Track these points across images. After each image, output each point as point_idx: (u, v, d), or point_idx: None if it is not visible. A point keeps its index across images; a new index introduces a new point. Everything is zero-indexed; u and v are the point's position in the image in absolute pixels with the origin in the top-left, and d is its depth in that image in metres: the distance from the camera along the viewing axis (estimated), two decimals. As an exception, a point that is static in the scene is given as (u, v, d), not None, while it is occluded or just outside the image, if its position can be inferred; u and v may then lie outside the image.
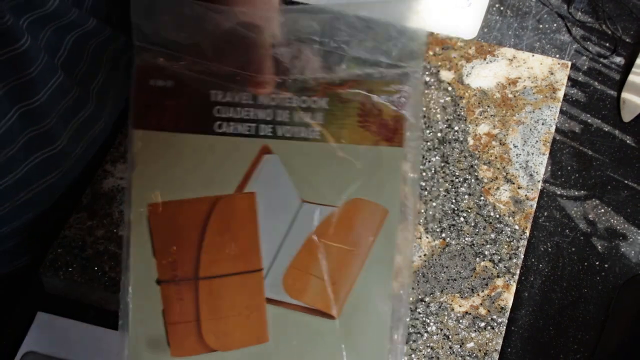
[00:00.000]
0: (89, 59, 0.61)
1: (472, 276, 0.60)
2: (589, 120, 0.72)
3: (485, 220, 0.62)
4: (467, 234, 0.62)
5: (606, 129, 0.72)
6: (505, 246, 0.61)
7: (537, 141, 0.66)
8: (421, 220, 0.62)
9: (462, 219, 0.62)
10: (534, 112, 0.68)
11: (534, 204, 0.63)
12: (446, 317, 0.58)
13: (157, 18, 0.44)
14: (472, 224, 0.62)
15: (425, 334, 0.58)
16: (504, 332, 0.57)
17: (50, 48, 0.55)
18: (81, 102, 0.61)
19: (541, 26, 0.79)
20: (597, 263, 0.64)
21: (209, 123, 0.44)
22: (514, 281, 0.59)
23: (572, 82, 0.75)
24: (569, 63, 0.71)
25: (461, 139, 0.66)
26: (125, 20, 0.67)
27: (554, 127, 0.67)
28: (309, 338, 0.44)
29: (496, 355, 0.57)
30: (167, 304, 0.44)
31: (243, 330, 0.44)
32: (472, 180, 0.64)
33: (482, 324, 0.58)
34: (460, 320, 0.58)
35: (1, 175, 0.56)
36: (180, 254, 0.44)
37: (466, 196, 0.63)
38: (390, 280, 0.45)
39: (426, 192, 0.64)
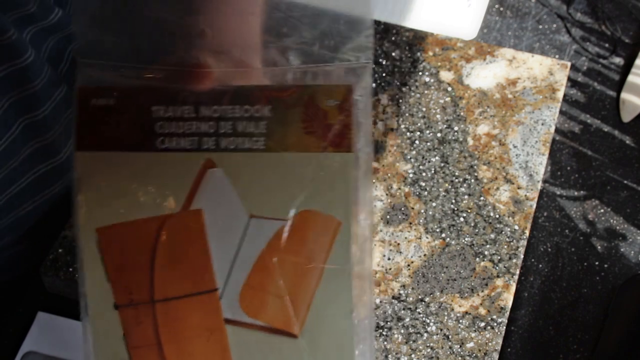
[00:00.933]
0: None
1: (472, 276, 0.60)
2: (589, 121, 0.72)
3: (485, 220, 0.62)
4: (467, 234, 0.62)
5: (605, 130, 0.72)
6: (505, 246, 0.61)
7: (536, 141, 0.66)
8: (421, 221, 0.62)
9: (461, 219, 0.62)
10: (533, 112, 0.68)
11: (534, 204, 0.63)
12: (446, 317, 0.58)
13: (100, 23, 0.43)
14: (472, 224, 0.62)
15: (425, 334, 0.58)
16: (503, 332, 0.58)
17: (52, 60, 0.55)
18: None
19: (541, 27, 0.79)
20: (597, 263, 0.64)
21: (151, 140, 0.43)
22: (514, 281, 0.60)
23: (572, 82, 0.75)
24: (569, 64, 0.71)
25: (461, 139, 0.67)
26: None
27: (553, 127, 0.67)
28: (273, 358, 0.43)
29: (496, 355, 0.57)
30: (126, 328, 0.43)
31: (205, 352, 0.43)
32: (472, 180, 0.64)
33: (482, 324, 0.58)
34: (460, 320, 0.58)
35: (5, 187, 0.56)
36: (134, 277, 0.42)
37: (466, 196, 0.64)
38: (349, 293, 0.43)
39: (426, 193, 0.64)
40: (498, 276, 0.60)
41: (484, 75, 0.70)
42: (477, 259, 0.61)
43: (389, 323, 0.58)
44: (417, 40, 0.72)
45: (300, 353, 0.43)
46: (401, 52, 0.71)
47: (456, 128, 0.67)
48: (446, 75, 0.70)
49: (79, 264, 0.43)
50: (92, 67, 0.43)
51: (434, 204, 0.63)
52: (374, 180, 0.64)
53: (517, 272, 0.60)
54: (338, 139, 0.43)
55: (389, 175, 0.65)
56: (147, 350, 0.43)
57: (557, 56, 0.77)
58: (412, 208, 0.63)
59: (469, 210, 0.63)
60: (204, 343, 0.43)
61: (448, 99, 0.69)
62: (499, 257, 0.61)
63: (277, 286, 0.43)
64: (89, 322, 0.43)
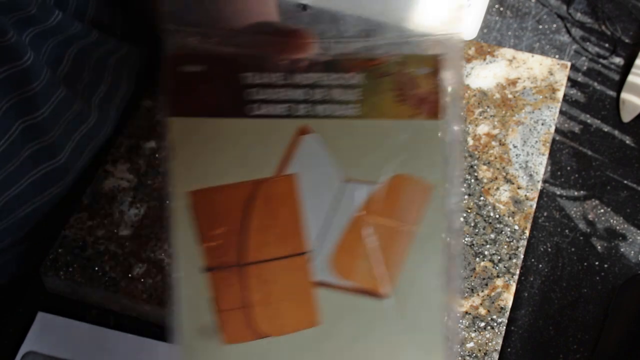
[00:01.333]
0: (90, 71, 0.61)
1: (472, 276, 0.60)
2: (589, 121, 0.72)
3: (485, 220, 0.62)
4: (467, 234, 0.62)
5: (605, 130, 0.72)
6: (505, 246, 0.61)
7: (536, 141, 0.66)
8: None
9: (461, 219, 0.63)
10: (533, 112, 0.68)
11: (534, 204, 0.63)
12: (446, 317, 0.58)
13: None
14: (472, 224, 0.62)
15: (425, 334, 0.58)
16: (503, 332, 0.58)
17: (52, 62, 0.55)
18: (83, 115, 0.61)
19: (541, 27, 0.79)
20: (597, 263, 0.64)
21: (243, 106, 0.43)
22: (514, 281, 0.60)
23: (572, 82, 0.75)
24: (569, 63, 0.71)
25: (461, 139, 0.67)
26: (129, 28, 0.67)
27: (553, 127, 0.67)
28: (362, 319, 0.44)
29: (496, 355, 0.57)
30: (216, 291, 0.43)
31: (294, 314, 0.44)
32: (472, 180, 0.64)
33: (482, 324, 0.58)
34: (460, 320, 0.58)
35: (4, 189, 0.56)
36: (225, 240, 0.43)
37: (466, 196, 0.64)
38: (440, 255, 0.44)
39: (426, 192, 0.64)
40: (498, 276, 0.60)
41: (484, 75, 0.70)
42: (477, 258, 0.61)
43: (389, 323, 0.58)
44: (417, 40, 0.72)
45: (390, 313, 0.44)
46: (401, 52, 0.71)
47: (456, 128, 0.67)
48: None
49: (168, 227, 0.44)
50: (180, 34, 0.43)
51: (434, 204, 0.63)
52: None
53: (517, 272, 0.60)
54: (428, 106, 0.44)
55: (389, 175, 0.65)
56: (236, 313, 0.44)
57: (557, 56, 0.77)
58: (412, 208, 0.63)
59: (469, 210, 0.63)
60: (294, 305, 0.44)
61: (448, 99, 0.69)
62: (499, 257, 0.61)
63: (369, 248, 0.44)
64: (178, 284, 0.44)
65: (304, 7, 0.44)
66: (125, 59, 0.66)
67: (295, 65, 0.44)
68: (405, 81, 0.44)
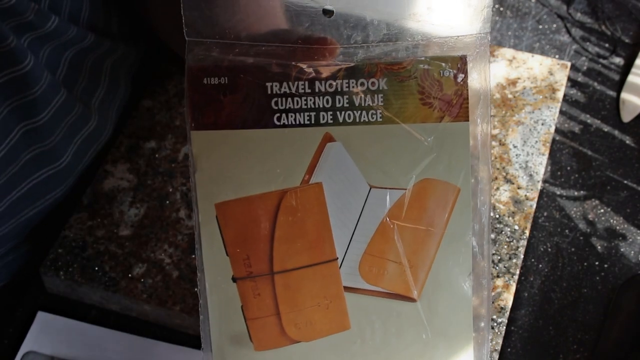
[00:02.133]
0: (87, 73, 0.61)
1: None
2: (589, 121, 0.72)
3: (485, 220, 0.62)
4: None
5: (605, 130, 0.72)
6: (505, 246, 0.61)
7: (536, 141, 0.66)
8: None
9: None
10: (533, 112, 0.68)
11: (534, 204, 0.63)
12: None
13: (211, 5, 0.43)
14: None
15: (425, 334, 0.58)
16: (503, 332, 0.58)
17: (49, 66, 0.55)
18: (84, 117, 0.61)
19: (541, 27, 0.79)
20: (597, 263, 0.64)
21: (268, 116, 0.44)
22: (514, 281, 0.60)
23: (572, 82, 0.75)
24: (569, 63, 0.71)
25: (461, 139, 0.67)
26: (124, 28, 0.67)
27: (553, 127, 0.67)
28: (392, 322, 0.44)
29: (496, 355, 0.57)
30: (245, 300, 0.44)
31: (324, 320, 0.44)
32: (472, 180, 0.64)
33: (482, 324, 0.58)
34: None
35: (5, 193, 0.56)
36: (253, 250, 0.44)
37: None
38: (469, 257, 0.44)
39: (426, 192, 0.64)
40: (498, 276, 0.60)
41: (484, 75, 0.70)
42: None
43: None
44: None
45: (419, 316, 0.44)
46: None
47: (456, 128, 0.67)
48: (446, 75, 0.70)
49: (197, 240, 0.44)
50: (201, 46, 0.43)
51: (434, 204, 0.63)
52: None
53: (517, 272, 0.60)
54: (454, 108, 0.44)
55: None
56: (265, 320, 0.44)
57: (557, 56, 0.77)
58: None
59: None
60: (324, 311, 0.44)
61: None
62: (499, 257, 0.61)
63: (397, 253, 0.44)
64: (207, 295, 0.44)
65: (328, 12, 0.43)
66: (121, 60, 0.66)
67: (319, 74, 0.43)
68: (430, 84, 0.44)
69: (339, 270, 0.44)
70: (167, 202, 0.64)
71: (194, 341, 0.60)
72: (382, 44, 0.44)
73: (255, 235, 0.44)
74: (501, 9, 0.81)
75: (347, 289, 0.44)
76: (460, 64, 0.44)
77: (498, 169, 0.65)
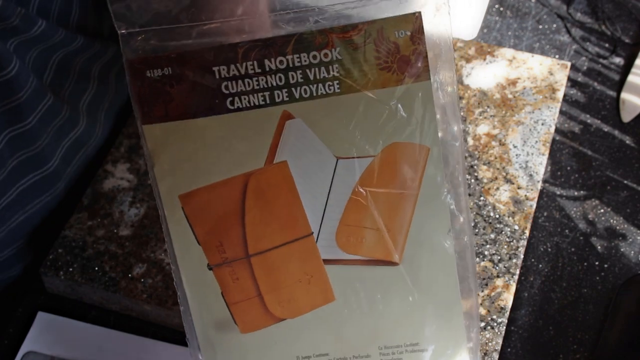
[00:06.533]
0: (75, 76, 0.60)
1: (472, 276, 0.60)
2: (589, 121, 0.72)
3: (485, 220, 0.62)
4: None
5: (605, 130, 0.72)
6: (505, 246, 0.61)
7: (536, 141, 0.66)
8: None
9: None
10: (533, 112, 0.68)
11: (534, 204, 0.63)
12: (446, 317, 0.58)
13: None
14: (472, 224, 0.62)
15: (425, 334, 0.58)
16: (503, 332, 0.58)
17: (36, 70, 0.54)
18: (72, 121, 0.60)
19: (541, 27, 0.79)
20: (597, 263, 0.64)
21: (220, 102, 0.42)
22: (514, 281, 0.60)
23: (572, 82, 0.75)
24: (569, 63, 0.71)
25: (461, 139, 0.67)
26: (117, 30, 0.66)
27: (553, 127, 0.67)
28: (377, 288, 0.44)
29: (496, 355, 0.57)
30: (224, 286, 0.44)
31: (307, 295, 0.44)
32: (472, 180, 0.64)
33: (482, 324, 0.58)
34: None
35: None
36: (225, 236, 0.43)
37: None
38: (447, 215, 0.43)
39: (426, 192, 0.64)
40: (498, 276, 0.60)
41: (484, 76, 0.70)
42: (477, 259, 0.61)
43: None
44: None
45: (403, 279, 0.44)
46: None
47: (456, 128, 0.67)
48: (446, 75, 0.70)
49: (165, 233, 0.43)
50: (137, 37, 0.41)
51: (434, 204, 0.63)
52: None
53: (517, 272, 0.60)
54: (414, 69, 0.42)
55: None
56: (248, 303, 0.44)
57: (557, 56, 0.77)
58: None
59: (469, 210, 0.63)
60: (305, 287, 0.44)
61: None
62: (499, 257, 0.61)
63: (373, 219, 0.44)
64: (185, 286, 0.44)
65: None
66: (112, 61, 0.65)
67: (264, 51, 0.41)
68: (386, 46, 0.42)
69: (316, 245, 0.44)
70: (160, 209, 0.64)
71: (194, 341, 0.60)
72: (332, 6, 0.42)
73: (225, 221, 0.43)
74: (501, 9, 0.81)
75: (327, 261, 0.44)
76: (416, 22, 0.42)
77: (498, 169, 0.65)
